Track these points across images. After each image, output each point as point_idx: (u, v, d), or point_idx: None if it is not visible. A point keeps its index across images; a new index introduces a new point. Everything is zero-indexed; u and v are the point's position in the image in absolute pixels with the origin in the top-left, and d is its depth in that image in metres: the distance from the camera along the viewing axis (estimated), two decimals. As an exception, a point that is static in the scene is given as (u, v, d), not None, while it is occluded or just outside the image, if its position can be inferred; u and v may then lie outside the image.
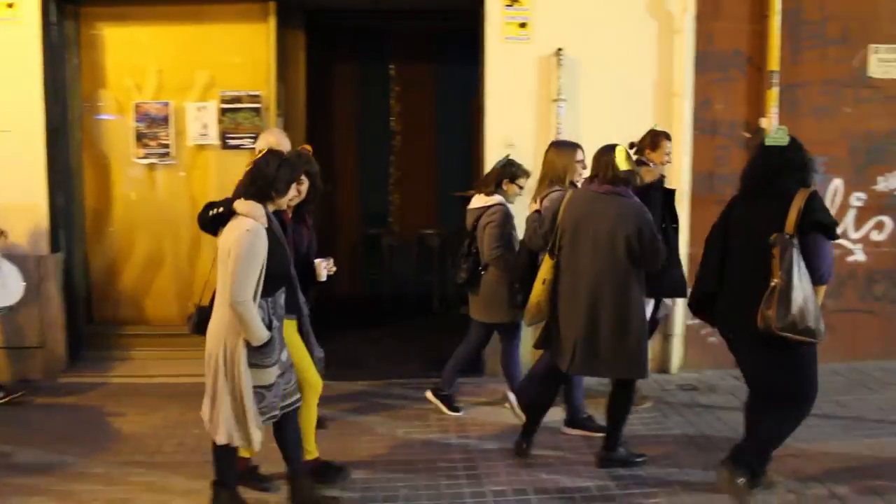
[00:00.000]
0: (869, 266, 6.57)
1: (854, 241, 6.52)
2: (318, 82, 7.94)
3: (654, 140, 5.30)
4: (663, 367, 6.35)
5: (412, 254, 9.09)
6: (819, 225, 3.73)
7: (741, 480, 3.98)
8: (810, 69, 6.40)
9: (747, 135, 6.29)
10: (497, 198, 5.23)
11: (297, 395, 3.89)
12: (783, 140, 3.97)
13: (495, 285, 5.18)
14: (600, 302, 4.25)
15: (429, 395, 5.53)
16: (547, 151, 5.00)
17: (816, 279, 3.75)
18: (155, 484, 4.31)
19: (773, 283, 3.70)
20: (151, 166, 6.58)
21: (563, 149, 4.94)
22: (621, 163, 4.26)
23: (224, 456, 3.79)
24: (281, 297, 3.76)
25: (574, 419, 5.04)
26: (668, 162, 5.40)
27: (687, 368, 6.40)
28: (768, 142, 4.03)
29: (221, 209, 3.70)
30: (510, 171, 5.26)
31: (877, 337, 6.65)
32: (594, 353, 4.30)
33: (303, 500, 3.93)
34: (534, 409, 4.64)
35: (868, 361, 6.50)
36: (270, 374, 3.65)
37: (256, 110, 6.51)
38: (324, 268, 4.09)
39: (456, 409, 5.47)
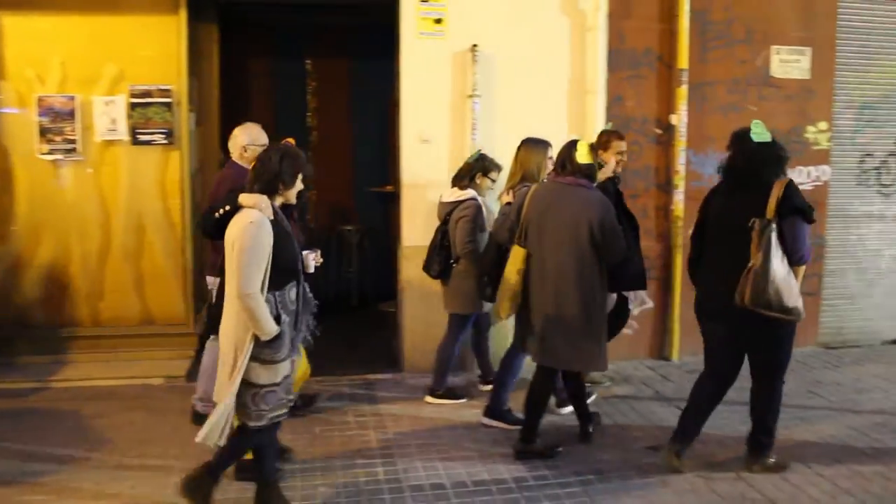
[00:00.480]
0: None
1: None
2: (233, 77, 7.78)
3: (606, 140, 5.39)
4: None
5: (330, 251, 9.02)
6: (797, 209, 4.01)
7: (770, 461, 4.39)
8: (717, 68, 6.60)
9: (658, 131, 6.45)
10: (470, 192, 5.33)
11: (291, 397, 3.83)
12: (767, 136, 4.17)
13: (466, 277, 5.30)
14: (563, 292, 4.38)
15: (428, 399, 5.58)
16: (519, 149, 5.10)
17: (796, 260, 4.05)
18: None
19: (750, 264, 3.98)
20: (57, 162, 6.32)
21: (535, 147, 5.05)
22: (582, 157, 4.41)
23: (259, 455, 3.82)
24: (291, 292, 3.68)
25: (494, 410, 5.09)
26: (623, 160, 5.48)
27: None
28: (755, 139, 4.18)
29: (227, 207, 3.62)
30: (482, 166, 5.37)
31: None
32: (556, 344, 4.44)
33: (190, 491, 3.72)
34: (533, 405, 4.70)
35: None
36: (281, 370, 3.61)
37: (168, 105, 6.34)
38: (311, 259, 4.00)
39: (459, 397, 5.59)
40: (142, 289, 6.52)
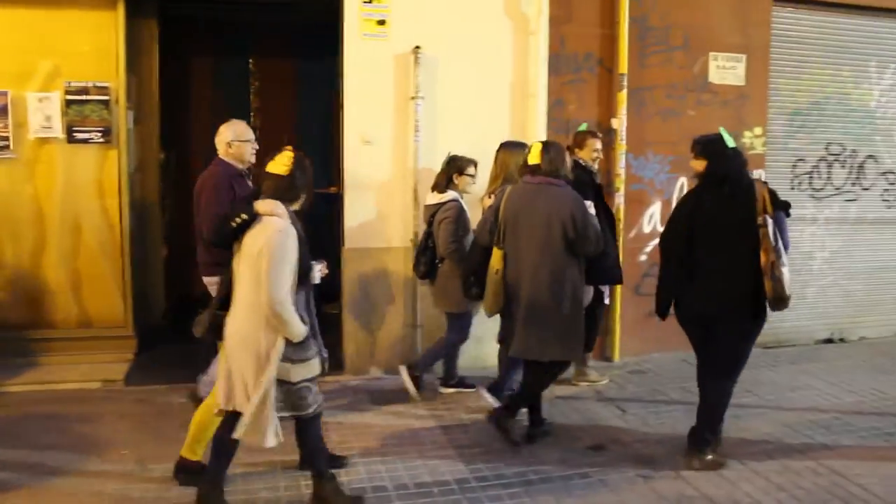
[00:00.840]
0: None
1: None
2: (173, 75, 7.65)
3: (581, 140, 5.72)
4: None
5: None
6: (784, 204, 4.36)
7: (709, 458, 4.53)
8: (656, 73, 6.72)
9: (599, 134, 6.50)
10: (451, 194, 5.46)
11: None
12: (733, 142, 4.46)
13: (450, 277, 5.42)
14: (539, 287, 4.57)
15: (442, 390, 5.82)
16: (498, 152, 5.42)
17: (785, 249, 4.31)
18: None
19: (769, 261, 4.19)
20: (-13, 160, 6.14)
21: (513, 149, 5.30)
22: (532, 157, 4.66)
23: (313, 450, 3.97)
24: (306, 294, 3.78)
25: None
26: (599, 158, 5.79)
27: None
28: (731, 144, 4.42)
29: (244, 216, 3.62)
30: (457, 166, 5.50)
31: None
32: (533, 336, 4.61)
33: (324, 498, 3.93)
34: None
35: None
36: (314, 366, 3.77)
37: (105, 102, 6.20)
38: (317, 270, 3.96)
39: (471, 386, 5.73)
40: (78, 291, 6.36)
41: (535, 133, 6.16)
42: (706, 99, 6.89)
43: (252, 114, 9.04)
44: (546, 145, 4.74)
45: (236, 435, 3.65)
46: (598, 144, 5.75)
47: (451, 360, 5.88)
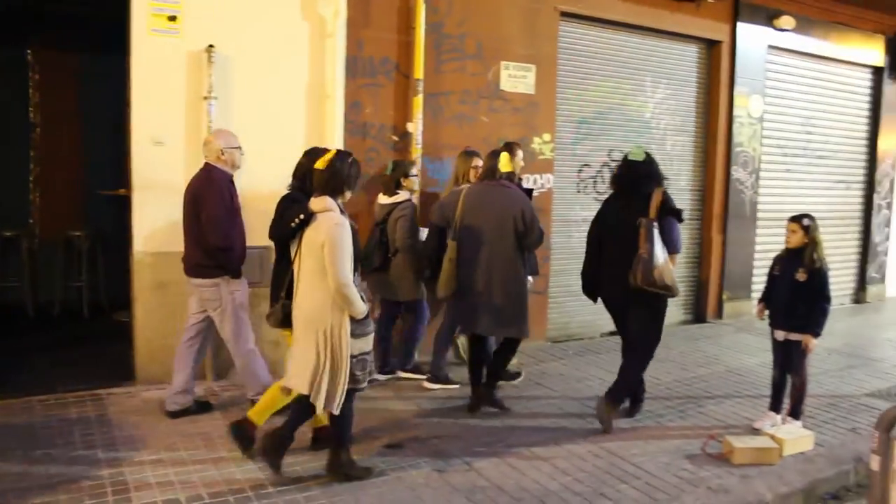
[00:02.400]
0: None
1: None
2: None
3: (508, 151, 5.98)
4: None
5: (57, 258, 8.37)
6: (672, 211, 5.22)
7: (622, 407, 5.52)
8: (451, 80, 6.94)
9: (395, 138, 6.65)
10: (405, 194, 6.11)
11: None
12: (640, 156, 5.40)
13: (404, 269, 6.03)
14: (493, 274, 5.33)
15: (400, 374, 6.36)
16: (458, 158, 6.22)
17: (672, 249, 5.19)
18: None
19: (639, 253, 5.05)
20: None
21: (467, 156, 6.15)
22: (503, 165, 5.47)
23: (343, 421, 4.29)
24: (357, 277, 4.23)
25: (437, 375, 6.14)
26: (521, 166, 6.28)
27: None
28: (631, 157, 5.41)
29: (302, 216, 4.16)
30: (402, 171, 6.14)
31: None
32: (487, 317, 5.37)
33: (339, 469, 4.35)
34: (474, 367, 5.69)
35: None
36: (370, 340, 4.25)
37: None
38: None
39: (424, 374, 6.25)
40: None
41: (333, 134, 6.18)
42: (498, 106, 7.20)
43: (31, 109, 8.44)
44: (493, 154, 5.57)
45: (317, 406, 4.16)
46: (521, 154, 6.28)
47: (411, 345, 6.43)
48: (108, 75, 7.56)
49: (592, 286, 5.61)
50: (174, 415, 5.26)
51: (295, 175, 4.87)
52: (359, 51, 6.45)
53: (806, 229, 5.16)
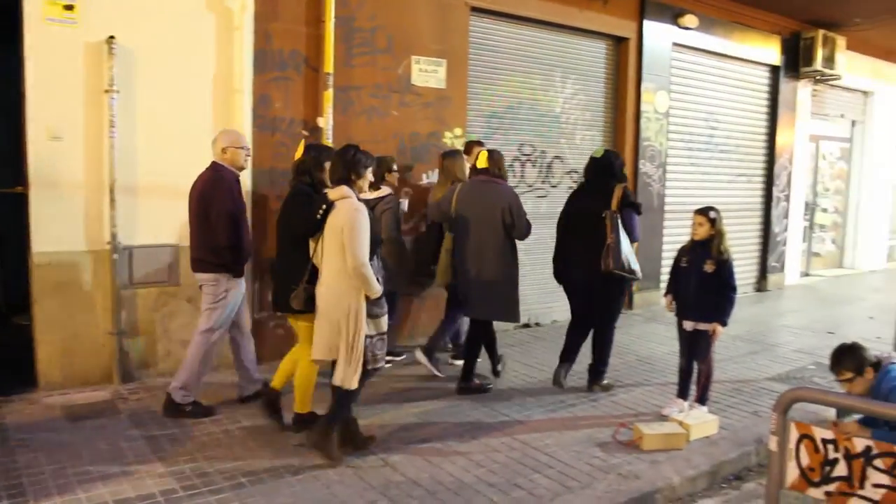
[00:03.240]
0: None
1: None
2: None
3: (469, 148, 6.94)
4: (231, 363, 6.30)
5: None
6: (632, 205, 5.83)
7: (605, 382, 6.19)
8: (362, 74, 6.88)
9: (305, 133, 6.54)
10: (388, 189, 6.30)
11: None
12: (600, 153, 6.06)
13: (388, 260, 5.96)
14: (485, 263, 5.75)
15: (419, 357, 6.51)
16: (444, 160, 6.57)
17: (633, 238, 5.82)
18: None
19: (608, 242, 5.66)
20: None
21: (454, 157, 6.55)
22: (480, 162, 5.88)
23: (347, 398, 4.57)
24: (375, 259, 4.54)
25: (431, 351, 6.48)
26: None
27: (260, 362, 6.45)
28: (594, 155, 6.07)
29: (324, 206, 4.49)
30: (386, 165, 6.32)
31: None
32: (482, 301, 5.80)
33: (323, 444, 4.55)
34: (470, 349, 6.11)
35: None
36: (385, 321, 4.58)
37: None
38: None
39: (399, 355, 6.78)
40: None
41: (241, 129, 6.04)
42: (410, 100, 7.19)
43: None
44: (490, 153, 5.93)
45: (334, 381, 4.45)
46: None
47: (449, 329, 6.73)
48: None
49: (560, 270, 6.20)
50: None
51: (299, 170, 5.03)
52: (267, 44, 6.33)
53: (712, 222, 5.32)
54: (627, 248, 5.71)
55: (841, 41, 11.60)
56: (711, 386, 5.57)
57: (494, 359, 6.33)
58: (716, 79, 10.63)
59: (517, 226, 5.76)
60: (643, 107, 9.34)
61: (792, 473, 4.11)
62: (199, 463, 4.46)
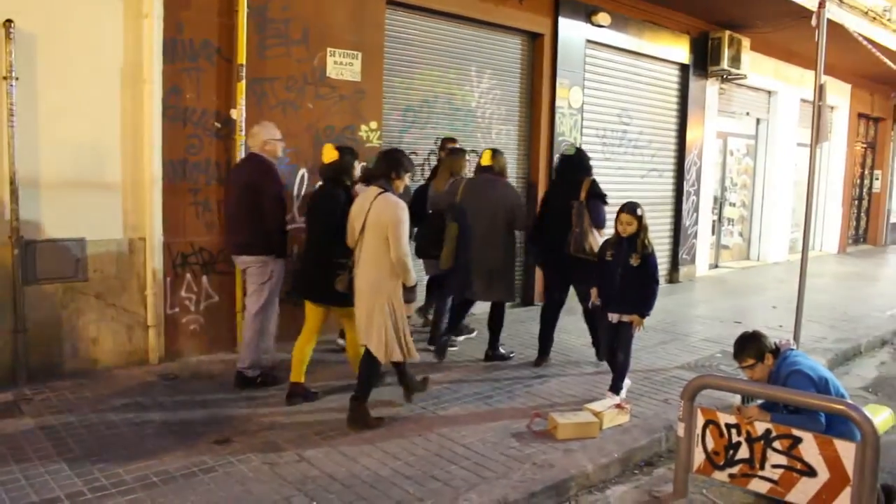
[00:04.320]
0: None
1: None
2: None
3: (443, 144, 7.56)
4: (142, 359, 6.22)
5: None
6: (598, 195, 6.41)
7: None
8: (276, 65, 6.77)
9: (218, 125, 6.42)
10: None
11: None
12: (571, 151, 6.80)
13: None
14: (489, 251, 6.47)
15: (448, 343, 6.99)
16: (447, 158, 7.13)
17: (598, 226, 6.38)
18: None
19: (573, 229, 6.28)
20: None
21: (457, 155, 7.10)
22: (484, 160, 6.69)
23: (374, 375, 5.21)
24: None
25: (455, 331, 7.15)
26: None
27: (170, 359, 6.35)
28: (565, 152, 6.86)
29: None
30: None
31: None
32: (486, 285, 6.54)
33: (359, 418, 5.06)
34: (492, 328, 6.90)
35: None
36: (414, 306, 5.33)
37: None
38: None
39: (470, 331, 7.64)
40: None
41: (150, 120, 5.92)
42: (325, 93, 7.11)
43: None
44: (494, 152, 6.68)
45: (380, 358, 5.04)
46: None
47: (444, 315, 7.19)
48: None
49: (540, 255, 6.94)
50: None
51: (336, 171, 5.47)
52: (178, 33, 6.15)
53: (639, 219, 5.48)
54: (592, 237, 6.31)
55: (746, 42, 12.03)
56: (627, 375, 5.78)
57: (495, 338, 6.93)
58: (628, 76, 10.88)
59: (518, 218, 6.57)
60: (558, 102, 9.47)
61: (699, 458, 4.25)
62: (104, 461, 4.33)
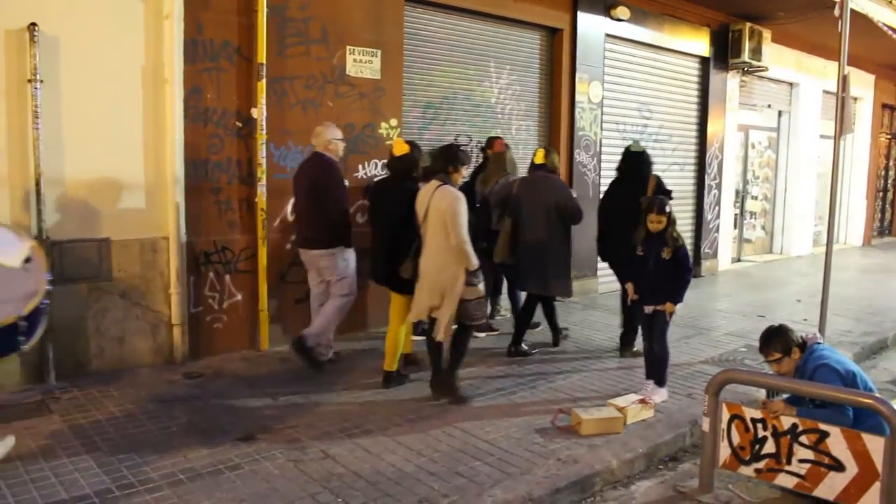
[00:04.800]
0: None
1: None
2: None
3: (490, 142, 7.64)
4: (167, 358, 6.27)
5: None
6: (664, 191, 6.51)
7: (635, 349, 6.84)
8: (296, 64, 6.79)
9: (239, 124, 6.45)
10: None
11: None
12: (640, 148, 7.00)
13: None
14: (544, 247, 6.63)
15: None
16: (494, 155, 7.33)
17: None
18: None
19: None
20: None
21: (506, 154, 7.33)
22: (537, 159, 6.87)
23: (461, 350, 5.58)
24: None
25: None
26: None
27: (194, 357, 6.39)
28: (632, 150, 6.99)
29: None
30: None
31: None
32: (541, 280, 6.71)
33: (448, 389, 5.57)
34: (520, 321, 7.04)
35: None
36: (481, 289, 5.44)
37: None
38: None
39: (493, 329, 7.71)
40: None
41: (172, 120, 5.96)
42: (344, 91, 7.12)
43: None
44: (547, 151, 6.87)
45: (437, 337, 5.39)
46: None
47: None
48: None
49: (605, 250, 7.16)
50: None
51: (406, 164, 5.81)
52: (199, 33, 6.19)
53: (668, 215, 5.47)
54: None
55: (767, 34, 11.92)
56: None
57: (556, 331, 7.26)
58: (648, 69, 10.81)
59: (572, 213, 6.65)
60: (577, 97, 9.44)
61: (724, 453, 4.23)
62: (133, 459, 4.37)
